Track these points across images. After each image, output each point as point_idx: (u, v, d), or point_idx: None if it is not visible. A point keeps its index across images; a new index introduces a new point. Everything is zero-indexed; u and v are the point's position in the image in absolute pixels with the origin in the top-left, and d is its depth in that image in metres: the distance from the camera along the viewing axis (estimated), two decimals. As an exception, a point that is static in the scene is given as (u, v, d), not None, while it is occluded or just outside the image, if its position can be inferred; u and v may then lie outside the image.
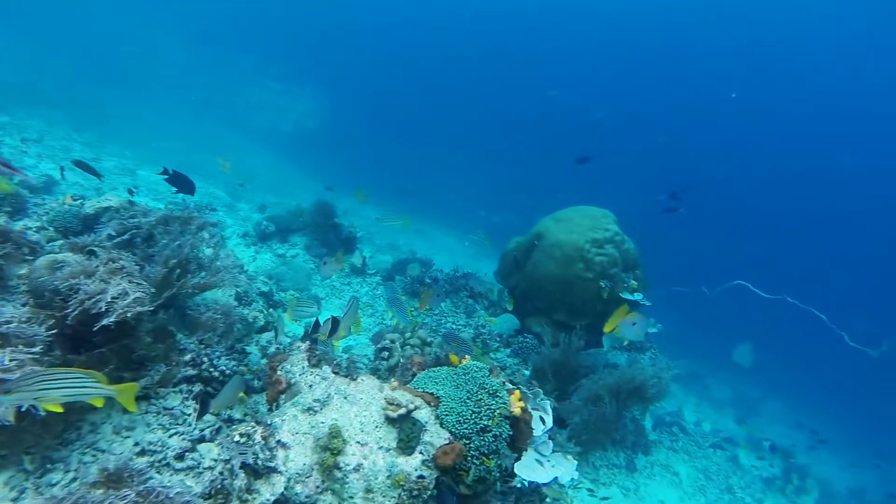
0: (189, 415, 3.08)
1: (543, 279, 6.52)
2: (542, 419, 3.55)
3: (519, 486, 3.55)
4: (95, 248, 3.08)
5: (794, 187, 27.42)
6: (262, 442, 2.33)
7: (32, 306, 2.73)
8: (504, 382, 3.09)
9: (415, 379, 3.02)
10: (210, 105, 20.96)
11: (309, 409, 2.60)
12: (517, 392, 3.02)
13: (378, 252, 10.79)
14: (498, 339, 6.74)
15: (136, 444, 2.77)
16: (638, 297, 6.52)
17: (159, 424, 2.96)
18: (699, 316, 13.43)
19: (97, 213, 4.06)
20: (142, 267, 3.13)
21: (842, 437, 11.41)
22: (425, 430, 2.58)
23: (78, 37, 22.24)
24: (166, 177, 4.77)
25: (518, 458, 3.12)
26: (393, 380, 3.01)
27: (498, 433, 2.82)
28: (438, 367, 3.09)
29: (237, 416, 3.32)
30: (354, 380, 2.81)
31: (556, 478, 3.49)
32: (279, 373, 2.99)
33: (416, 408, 2.65)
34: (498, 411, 2.86)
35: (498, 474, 2.89)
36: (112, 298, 2.65)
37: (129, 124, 14.36)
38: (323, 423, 2.54)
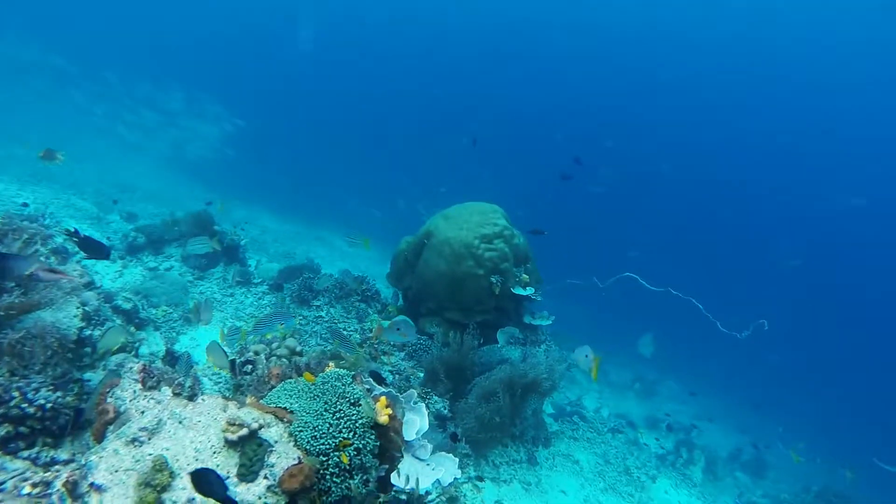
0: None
1: (435, 278, 6.39)
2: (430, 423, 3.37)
3: (404, 497, 3.35)
4: None
5: (679, 183, 29.41)
6: (64, 490, 1.95)
7: None
8: (368, 390, 2.88)
9: (269, 393, 2.73)
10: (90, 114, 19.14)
11: (134, 440, 2.24)
12: (383, 399, 2.81)
13: (272, 261, 10.25)
14: (392, 342, 6.51)
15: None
16: (529, 291, 6.56)
17: (-47, 477, 2.46)
18: (597, 307, 13.97)
19: None
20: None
21: (724, 409, 12.25)
22: (272, 450, 2.30)
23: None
24: (76, 240, 4.11)
25: (392, 468, 2.92)
26: (249, 396, 2.71)
27: (361, 445, 2.60)
28: (297, 379, 2.81)
29: (63, 456, 2.86)
30: (193, 400, 2.47)
31: (438, 480, 3.33)
32: (109, 400, 2.59)
33: (263, 426, 2.37)
34: (360, 422, 2.63)
35: (368, 489, 2.66)
36: None
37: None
38: (150, 455, 2.19)
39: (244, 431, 2.23)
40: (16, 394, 2.72)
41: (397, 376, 6.05)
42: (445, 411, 5.66)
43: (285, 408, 2.58)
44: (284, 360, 3.51)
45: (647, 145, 30.50)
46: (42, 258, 4.28)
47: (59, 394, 2.96)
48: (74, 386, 3.24)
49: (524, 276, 6.62)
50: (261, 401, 2.69)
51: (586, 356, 5.17)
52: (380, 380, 3.41)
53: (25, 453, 2.91)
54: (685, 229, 26.83)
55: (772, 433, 11.43)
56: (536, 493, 6.08)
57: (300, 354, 3.66)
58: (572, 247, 18.36)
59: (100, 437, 2.54)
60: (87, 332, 4.38)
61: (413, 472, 3.11)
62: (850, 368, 18.30)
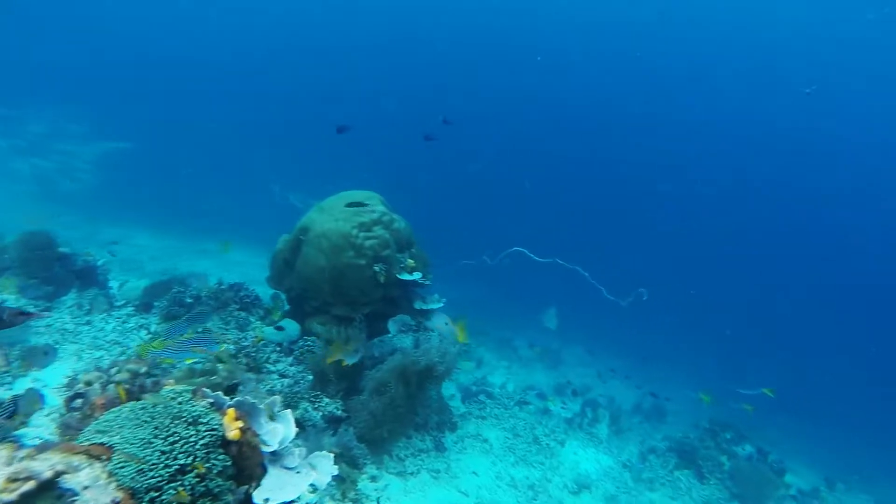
0: None
1: (315, 274, 6.03)
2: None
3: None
4: None
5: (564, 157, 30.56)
6: None
7: None
8: (213, 403, 2.53)
9: (86, 429, 2.31)
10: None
11: None
12: (231, 411, 2.48)
13: (145, 279, 9.34)
14: (278, 348, 6.10)
15: None
16: (416, 276, 6.37)
17: None
18: (494, 285, 14.15)
19: None
20: None
21: (625, 368, 12.87)
22: (77, 499, 1.91)
23: None
24: None
25: (252, 487, 2.60)
26: (67, 436, 2.27)
27: (205, 471, 2.26)
28: (121, 406, 2.41)
29: None
30: (-29, 456, 2.01)
31: (314, 485, 3.05)
32: None
33: (66, 472, 1.97)
34: (202, 442, 2.30)
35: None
36: None
37: None
38: None
39: (30, 486, 1.83)
40: None
41: (286, 380, 5.67)
42: (339, 412, 5.36)
43: (102, 443, 2.18)
44: (125, 386, 3.06)
45: (522, 116, 31.37)
46: None
47: None
48: None
49: (409, 261, 6.42)
50: (76, 440, 2.27)
51: (445, 323, 5.17)
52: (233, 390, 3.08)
53: None
54: (571, 201, 28.02)
55: (668, 385, 12.17)
56: (446, 480, 5.97)
57: (153, 377, 3.22)
58: (464, 228, 18.56)
59: None
60: None
61: (279, 485, 2.81)
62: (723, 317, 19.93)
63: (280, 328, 6.15)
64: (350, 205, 6.02)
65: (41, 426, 4.41)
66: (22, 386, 5.03)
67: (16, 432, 3.87)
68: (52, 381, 5.20)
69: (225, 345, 5.49)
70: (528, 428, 7.84)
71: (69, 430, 2.74)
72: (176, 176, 20.84)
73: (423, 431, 6.32)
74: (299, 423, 5.02)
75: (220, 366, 4.41)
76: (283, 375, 5.70)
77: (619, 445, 8.82)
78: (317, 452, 3.10)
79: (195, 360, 5.40)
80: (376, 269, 6.02)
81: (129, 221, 15.83)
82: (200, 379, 4.03)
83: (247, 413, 2.68)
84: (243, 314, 6.49)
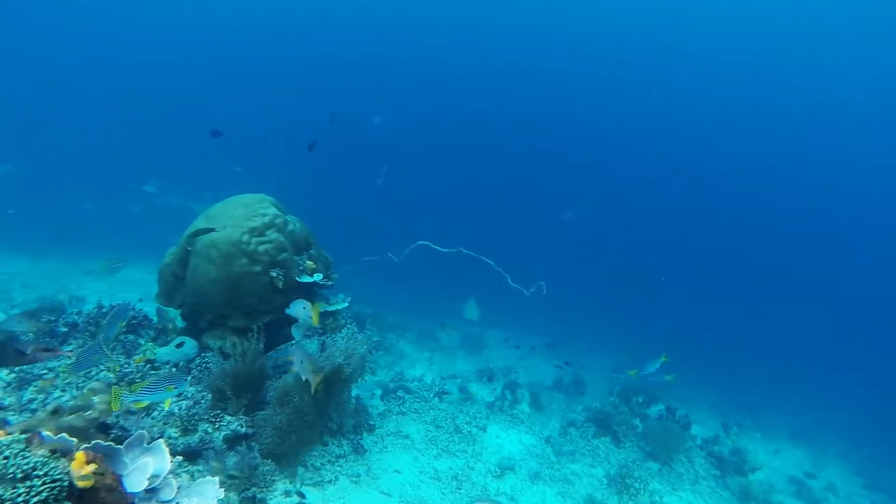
0: None
1: (207, 286, 5.64)
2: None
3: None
4: None
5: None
6: None
7: None
8: (53, 450, 2.24)
9: None
10: None
11: None
12: (80, 455, 2.21)
13: (16, 309, 8.42)
14: (174, 369, 5.66)
15: None
16: (317, 277, 6.15)
17: None
18: (402, 280, 14.05)
19: None
20: None
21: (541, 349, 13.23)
22: None
23: None
24: None
25: (120, 534, 2.34)
26: None
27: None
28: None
29: None
30: None
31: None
32: None
33: None
34: (35, 499, 2.01)
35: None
36: None
37: None
38: None
39: None
40: None
41: (184, 402, 5.27)
42: (243, 429, 5.06)
43: None
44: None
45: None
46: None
47: None
48: None
49: (308, 262, 6.18)
50: None
51: (303, 308, 5.10)
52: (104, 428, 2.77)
53: None
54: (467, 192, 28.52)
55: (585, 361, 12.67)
56: (367, 482, 5.81)
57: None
58: (364, 227, 18.36)
59: None
60: None
61: (158, 524, 2.56)
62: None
63: (180, 345, 5.74)
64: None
65: None
66: None
67: None
68: None
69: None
70: (448, 418, 7.83)
71: None
72: (59, 194, 19.04)
73: (339, 436, 6.12)
74: (200, 448, 4.70)
75: (95, 399, 4.00)
76: (180, 397, 5.30)
77: (542, 422, 9.03)
78: (200, 479, 2.86)
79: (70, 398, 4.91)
80: (273, 274, 5.73)
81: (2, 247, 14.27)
82: (70, 417, 3.63)
83: (104, 454, 2.40)
84: (131, 337, 5.96)
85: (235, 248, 5.62)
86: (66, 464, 2.19)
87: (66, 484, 2.11)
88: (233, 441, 4.95)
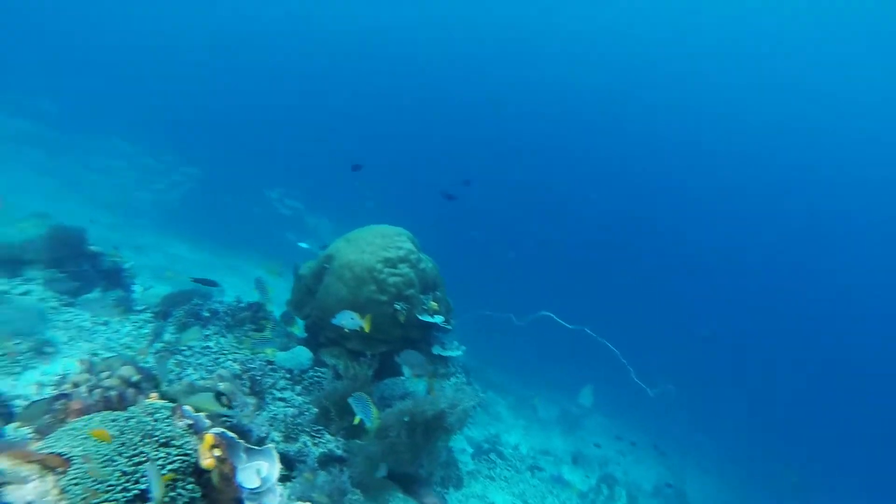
0: None
1: (335, 305, 5.86)
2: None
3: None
4: None
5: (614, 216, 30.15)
6: None
7: None
8: (191, 426, 2.33)
9: (51, 435, 2.14)
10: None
11: None
12: (209, 437, 2.28)
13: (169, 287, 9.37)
14: (288, 375, 5.90)
15: None
16: (438, 319, 6.14)
17: None
18: (516, 341, 13.69)
19: None
20: None
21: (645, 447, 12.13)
22: (14, 514, 1.72)
23: None
24: None
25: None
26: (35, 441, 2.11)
27: (169, 499, 2.05)
28: (93, 415, 2.24)
29: None
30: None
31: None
32: None
33: (7, 483, 1.79)
34: (169, 467, 2.09)
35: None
36: None
37: None
38: None
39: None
40: None
41: (290, 410, 5.44)
42: (339, 451, 5.08)
43: (61, 454, 2.00)
44: (113, 392, 2.89)
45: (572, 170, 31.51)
46: None
47: None
48: None
49: (432, 303, 6.21)
50: (37, 446, 2.09)
51: (351, 318, 4.87)
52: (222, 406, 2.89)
53: None
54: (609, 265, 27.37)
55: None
56: (443, 541, 5.55)
57: (137, 387, 3.05)
58: (486, 277, 18.22)
59: None
60: None
61: (253, 529, 2.56)
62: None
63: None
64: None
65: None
66: (31, 378, 4.97)
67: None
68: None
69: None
70: (538, 496, 7.34)
71: (38, 433, 2.57)
72: (229, 195, 21.34)
73: (425, 485, 5.93)
74: (296, 458, 4.77)
75: (220, 384, 4.23)
76: (288, 404, 5.48)
77: (636, 530, 8.18)
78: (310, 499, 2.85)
79: (199, 377, 5.25)
80: (397, 307, 5.82)
81: (171, 232, 16.21)
82: (194, 398, 3.85)
83: (227, 443, 2.46)
84: (258, 335, 6.34)
85: (368, 274, 5.81)
86: (196, 442, 2.26)
87: (193, 461, 2.18)
88: (326, 461, 4.98)
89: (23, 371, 4.97)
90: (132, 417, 2.19)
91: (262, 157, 25.92)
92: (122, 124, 22.38)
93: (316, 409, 5.36)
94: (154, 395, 2.53)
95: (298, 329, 6.65)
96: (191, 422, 2.35)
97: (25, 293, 5.95)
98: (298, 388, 5.82)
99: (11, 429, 3.47)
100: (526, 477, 7.76)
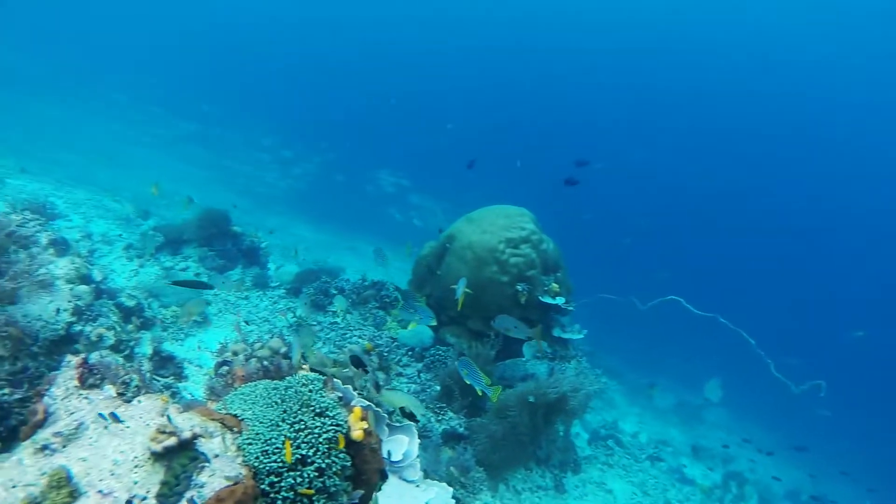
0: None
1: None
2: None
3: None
4: None
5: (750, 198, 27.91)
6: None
7: None
8: (341, 398, 2.46)
9: (225, 397, 2.35)
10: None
11: (44, 447, 1.90)
12: (357, 410, 2.39)
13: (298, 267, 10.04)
14: (410, 352, 6.10)
15: None
16: (560, 300, 6.03)
17: None
18: (633, 326, 13.10)
19: None
20: None
21: (779, 444, 11.19)
22: (206, 466, 1.91)
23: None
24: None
25: (368, 493, 2.48)
26: (210, 399, 2.34)
27: (325, 465, 2.18)
28: (257, 382, 2.43)
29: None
30: (129, 402, 2.11)
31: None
32: (44, 399, 2.26)
33: (202, 436, 1.98)
34: (325, 436, 2.22)
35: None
36: None
37: (31, 135, 13.27)
38: (63, 466, 1.84)
39: (172, 441, 1.85)
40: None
41: (413, 386, 5.63)
42: (461, 429, 5.18)
43: (235, 415, 2.19)
44: (266, 362, 3.14)
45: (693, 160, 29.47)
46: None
47: (6, 391, 2.68)
48: (32, 383, 2.96)
49: (554, 285, 6.10)
50: (215, 406, 2.31)
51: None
52: (360, 367, 3.05)
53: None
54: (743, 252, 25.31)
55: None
56: (562, 525, 5.51)
57: (287, 357, 3.28)
58: (604, 257, 17.53)
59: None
60: (77, 328, 4.17)
61: (397, 495, 2.67)
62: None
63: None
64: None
65: (198, 383, 4.81)
66: (191, 344, 5.58)
67: (176, 385, 4.22)
68: (212, 344, 5.70)
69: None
70: (659, 488, 7.04)
71: (213, 394, 2.85)
72: (346, 177, 22.42)
73: (544, 467, 5.90)
74: (420, 434, 4.92)
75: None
76: (410, 380, 5.67)
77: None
78: (432, 480, 2.93)
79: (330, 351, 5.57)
80: (518, 288, 5.78)
81: (297, 215, 17.35)
82: (333, 370, 4.08)
83: (373, 416, 2.58)
84: (381, 313, 6.61)
85: (489, 255, 5.81)
86: (346, 413, 2.38)
87: (344, 431, 2.28)
88: (448, 438, 5.09)
89: (185, 338, 5.56)
90: (290, 387, 2.35)
91: (377, 143, 26.88)
92: (265, 120, 24.36)
93: (438, 387, 5.49)
94: (305, 366, 2.69)
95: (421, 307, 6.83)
96: (340, 394, 2.48)
97: (185, 269, 6.65)
98: (419, 365, 6.00)
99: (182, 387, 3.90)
100: (645, 466, 7.47)
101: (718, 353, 10.94)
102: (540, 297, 5.91)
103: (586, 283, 9.56)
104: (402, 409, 3.23)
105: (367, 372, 3.72)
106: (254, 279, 7.07)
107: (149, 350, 4.37)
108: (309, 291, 6.68)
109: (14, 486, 1.78)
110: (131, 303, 5.11)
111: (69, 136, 15.37)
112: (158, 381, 4.13)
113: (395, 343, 6.11)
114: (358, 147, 25.03)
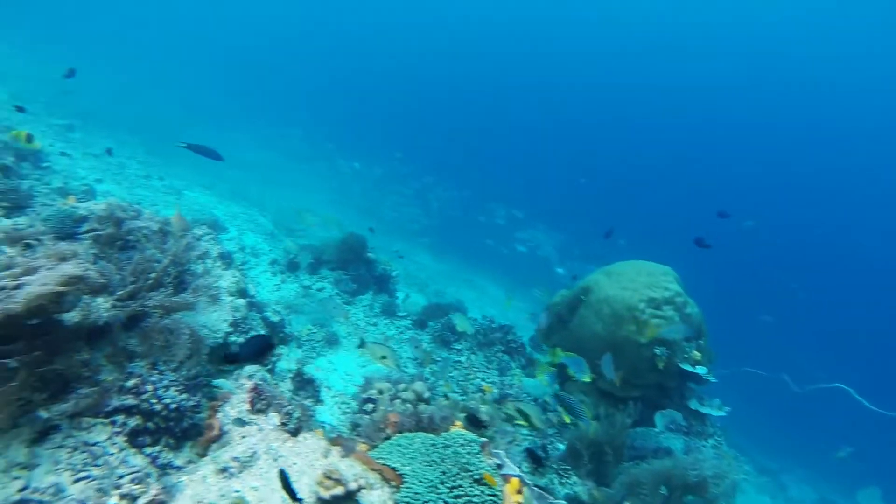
0: (113, 455, 2.51)
1: (588, 340, 5.66)
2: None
3: None
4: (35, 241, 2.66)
5: None
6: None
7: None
8: (499, 465, 2.33)
9: (381, 445, 2.32)
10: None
11: (224, 469, 1.96)
12: (515, 480, 2.25)
13: (422, 297, 10.21)
14: (534, 402, 5.86)
15: (24, 488, 2.20)
16: (701, 370, 5.52)
17: (69, 465, 2.39)
18: (772, 404, 11.77)
19: (91, 214, 3.72)
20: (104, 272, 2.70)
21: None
22: (369, 520, 1.87)
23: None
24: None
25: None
26: (360, 444, 2.33)
27: None
28: (415, 434, 2.38)
29: (178, 462, 2.72)
30: (295, 436, 2.15)
31: None
32: (218, 416, 2.38)
33: (364, 487, 1.95)
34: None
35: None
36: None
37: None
38: (237, 492, 1.88)
39: (339, 490, 1.83)
40: (149, 387, 2.65)
41: (538, 440, 5.38)
42: (585, 497, 4.83)
43: (395, 468, 2.14)
44: (409, 405, 3.11)
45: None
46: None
47: (185, 396, 2.86)
48: (203, 391, 3.16)
49: (695, 352, 5.60)
50: (370, 453, 2.29)
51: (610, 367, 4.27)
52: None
53: (148, 450, 2.84)
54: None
55: None
56: None
57: (427, 402, 3.24)
58: (747, 328, 16.00)
59: (202, 453, 2.32)
60: (232, 339, 4.46)
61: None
62: None
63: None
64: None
65: (328, 406, 4.94)
66: (321, 363, 5.79)
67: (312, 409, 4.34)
68: (340, 365, 5.87)
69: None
70: None
71: (357, 431, 2.85)
72: (466, 212, 22.87)
73: (669, 554, 5.34)
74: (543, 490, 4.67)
75: (482, 407, 4.32)
76: (535, 435, 5.43)
77: None
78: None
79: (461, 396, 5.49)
80: (657, 352, 5.37)
81: (418, 242, 17.86)
82: (462, 415, 3.98)
83: (528, 491, 2.42)
84: (506, 357, 6.46)
85: (628, 313, 5.48)
86: (499, 483, 2.25)
87: (498, 502, 2.15)
88: (570, 502, 4.78)
89: (316, 357, 5.78)
90: (449, 446, 2.27)
91: (495, 176, 27.21)
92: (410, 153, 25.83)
93: (564, 446, 5.20)
94: (458, 423, 2.61)
95: (548, 357, 6.60)
96: (499, 462, 2.36)
97: (322, 290, 6.98)
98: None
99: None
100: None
101: (880, 455, 9.46)
102: (680, 364, 5.45)
103: (727, 354, 8.76)
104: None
105: (486, 428, 3.58)
106: (382, 307, 7.25)
107: (293, 367, 4.56)
108: (436, 327, 6.71)
109: (200, 502, 1.84)
110: (276, 318, 5.41)
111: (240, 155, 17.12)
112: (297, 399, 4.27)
113: (514, 389, 5.91)
114: (479, 183, 25.42)
